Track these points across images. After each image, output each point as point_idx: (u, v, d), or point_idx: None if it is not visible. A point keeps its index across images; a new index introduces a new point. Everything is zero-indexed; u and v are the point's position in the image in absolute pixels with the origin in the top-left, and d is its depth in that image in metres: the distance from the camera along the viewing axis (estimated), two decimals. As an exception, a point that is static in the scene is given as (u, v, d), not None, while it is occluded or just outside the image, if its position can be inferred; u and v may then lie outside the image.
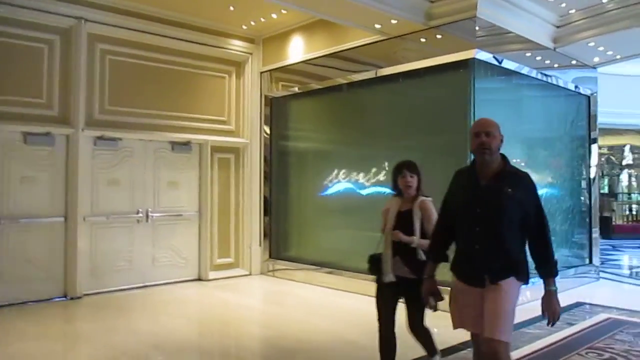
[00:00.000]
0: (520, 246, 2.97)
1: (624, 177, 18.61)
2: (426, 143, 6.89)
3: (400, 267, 3.74)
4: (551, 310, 2.86)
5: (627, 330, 5.52)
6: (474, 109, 6.25)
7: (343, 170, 7.92)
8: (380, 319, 3.88)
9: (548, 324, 2.89)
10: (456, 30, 6.48)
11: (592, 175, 8.60)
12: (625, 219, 17.52)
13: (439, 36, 6.70)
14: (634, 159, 18.52)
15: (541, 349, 4.88)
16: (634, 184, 18.55)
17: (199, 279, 8.36)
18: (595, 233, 8.56)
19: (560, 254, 7.87)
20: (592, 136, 8.61)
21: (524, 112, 7.40)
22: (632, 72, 13.03)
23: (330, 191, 8.09)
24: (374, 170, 7.49)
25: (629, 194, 18.43)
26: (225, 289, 7.80)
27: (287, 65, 8.68)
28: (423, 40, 6.87)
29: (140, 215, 7.81)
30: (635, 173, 18.50)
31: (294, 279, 8.35)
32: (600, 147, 17.77)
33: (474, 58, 6.23)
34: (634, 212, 17.93)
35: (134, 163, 7.80)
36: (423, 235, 3.69)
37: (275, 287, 8.15)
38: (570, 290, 7.46)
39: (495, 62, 6.63)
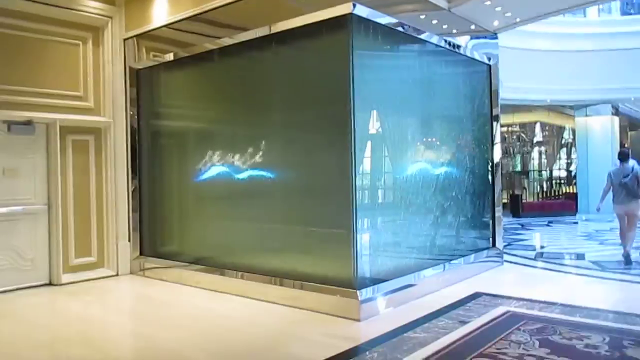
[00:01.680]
0: None
1: (535, 154, 18.70)
2: (305, 116, 5.96)
3: None
4: None
5: (524, 327, 4.82)
6: (353, 76, 5.31)
7: (218, 152, 6.81)
8: None
9: None
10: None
11: (495, 154, 7.96)
12: (535, 197, 17.56)
13: (315, -9, 5.70)
14: (543, 136, 18.61)
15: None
16: (544, 161, 18.67)
17: (50, 284, 7.04)
18: (499, 213, 7.95)
19: (465, 237, 7.22)
20: (494, 112, 7.94)
21: (416, 82, 6.56)
22: (541, 47, 12.70)
23: (204, 177, 6.96)
24: (250, 150, 6.43)
25: (540, 171, 18.53)
26: (76, 295, 6.51)
27: (152, 30, 7.41)
28: (299, -4, 5.87)
29: (-36, 211, 6.39)
30: (546, 150, 18.62)
31: (167, 279, 7.19)
32: (511, 125, 17.83)
33: (351, 14, 5.26)
34: (544, 189, 18.05)
35: (-47, 147, 6.36)
36: None
37: (142, 289, 6.94)
38: (470, 278, 6.80)
39: (381, 22, 5.72)
